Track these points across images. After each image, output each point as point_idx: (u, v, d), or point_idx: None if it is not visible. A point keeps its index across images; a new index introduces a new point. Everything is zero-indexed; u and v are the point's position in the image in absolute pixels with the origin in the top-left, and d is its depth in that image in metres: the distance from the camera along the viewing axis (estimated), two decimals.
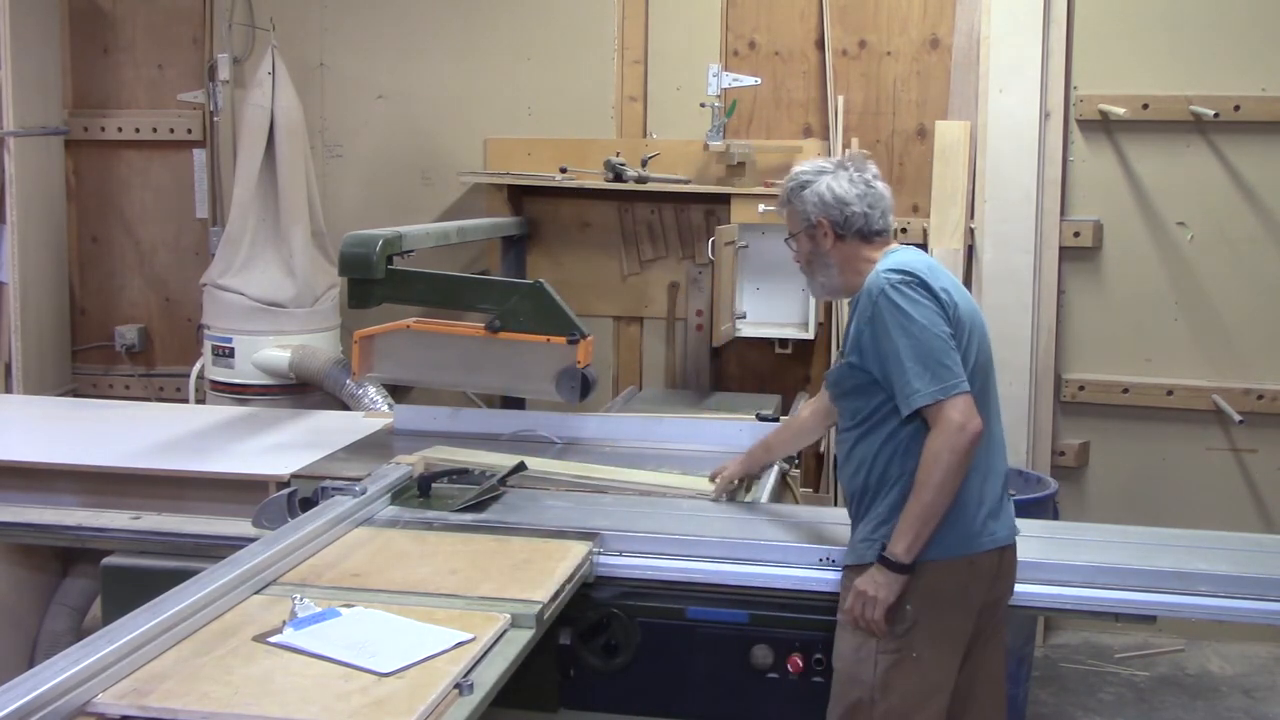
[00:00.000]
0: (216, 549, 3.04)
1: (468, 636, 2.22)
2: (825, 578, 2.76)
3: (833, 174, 2.72)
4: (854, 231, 2.69)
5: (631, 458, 3.72)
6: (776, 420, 3.81)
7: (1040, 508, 4.01)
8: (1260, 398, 4.84)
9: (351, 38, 5.48)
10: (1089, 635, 5.02)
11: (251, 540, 3.04)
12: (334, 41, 5.50)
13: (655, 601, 2.83)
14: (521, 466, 3.39)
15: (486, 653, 2.22)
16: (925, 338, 2.48)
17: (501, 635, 2.30)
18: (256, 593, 2.45)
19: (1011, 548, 2.67)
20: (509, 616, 2.35)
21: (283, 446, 3.73)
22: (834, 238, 2.71)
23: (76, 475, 3.42)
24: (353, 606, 2.36)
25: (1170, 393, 4.91)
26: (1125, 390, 4.95)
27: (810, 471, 4.95)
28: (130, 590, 3.00)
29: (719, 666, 2.81)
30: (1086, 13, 4.87)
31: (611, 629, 2.81)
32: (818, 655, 2.75)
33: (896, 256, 2.65)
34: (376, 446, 3.79)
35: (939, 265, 2.69)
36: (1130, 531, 3.21)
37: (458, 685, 2.06)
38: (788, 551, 2.84)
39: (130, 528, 3.13)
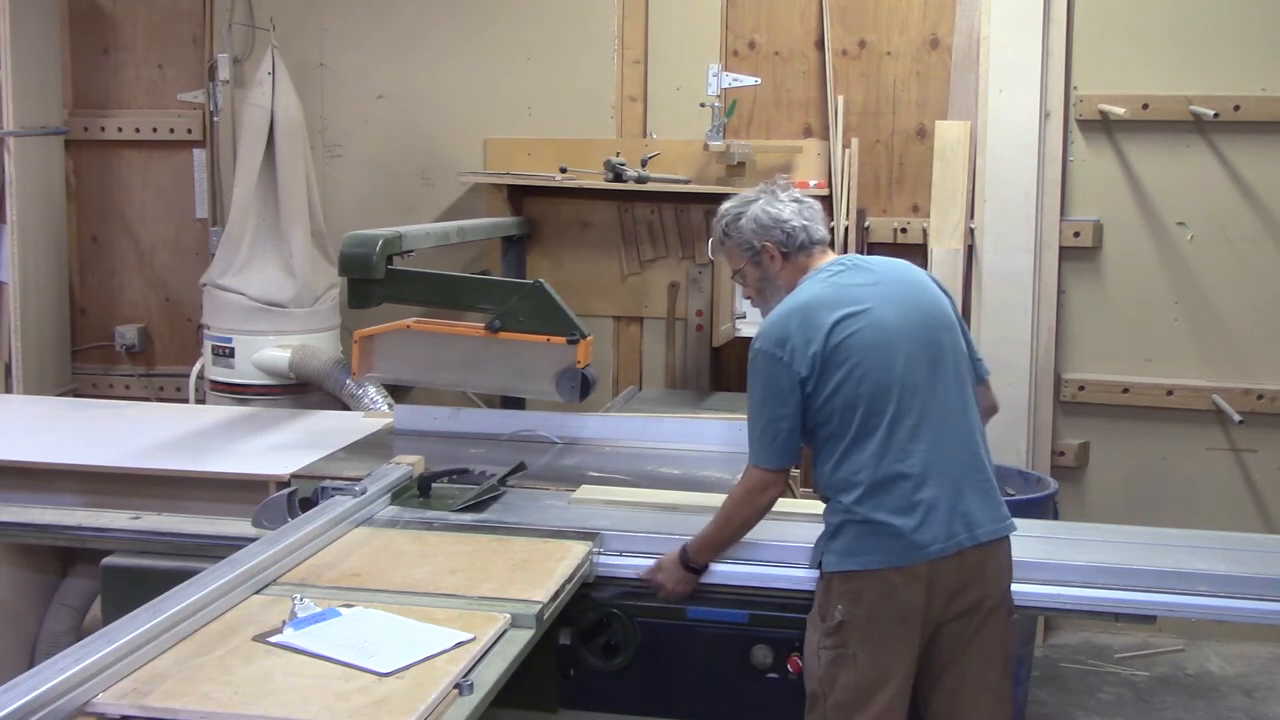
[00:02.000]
0: (216, 549, 3.04)
1: (468, 636, 2.23)
2: None
3: (758, 200, 2.84)
4: (797, 246, 2.80)
5: (631, 458, 3.73)
6: None
7: (1040, 508, 4.01)
8: (1260, 398, 4.84)
9: (351, 38, 5.48)
10: (1089, 635, 5.02)
11: (251, 540, 3.05)
12: (334, 41, 5.49)
13: (655, 601, 2.83)
14: (522, 467, 3.39)
15: (486, 653, 2.22)
16: (758, 412, 2.69)
17: (501, 635, 2.30)
18: (256, 593, 2.45)
19: (972, 552, 2.61)
20: (509, 616, 2.36)
21: (283, 446, 3.73)
22: (781, 259, 2.81)
23: (76, 475, 3.42)
24: (353, 606, 2.36)
25: (1170, 393, 4.91)
26: (1125, 390, 4.95)
27: (810, 472, 4.95)
28: (130, 590, 3.00)
29: (719, 666, 2.81)
30: (1086, 13, 4.87)
31: (611, 629, 2.81)
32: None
33: (799, 299, 2.71)
34: (376, 446, 3.79)
35: (831, 296, 2.68)
36: (1130, 531, 3.21)
37: (457, 685, 2.06)
38: (787, 551, 2.85)
39: (130, 528, 3.14)
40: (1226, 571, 2.78)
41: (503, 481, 3.26)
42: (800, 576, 2.80)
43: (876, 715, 2.59)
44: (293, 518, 2.87)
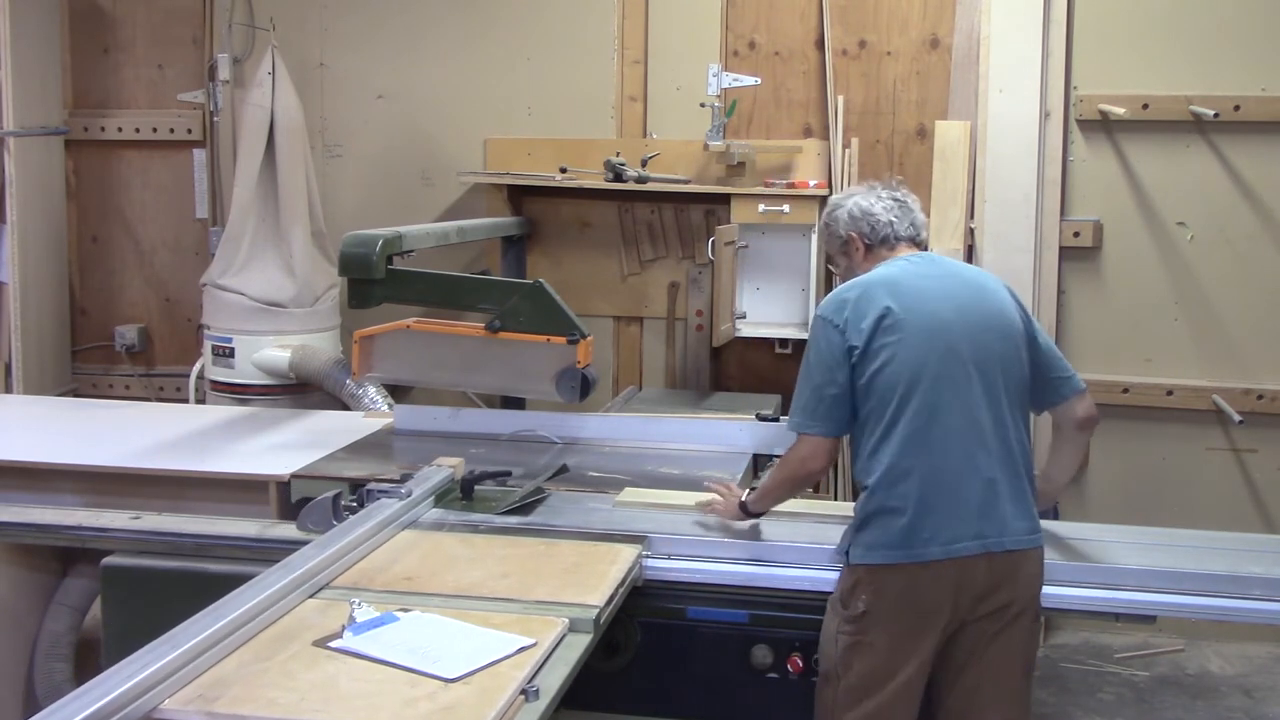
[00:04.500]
0: (216, 549, 3.05)
1: (529, 641, 2.21)
2: (825, 577, 2.77)
3: (862, 194, 2.96)
4: (880, 240, 2.90)
5: (631, 458, 3.73)
6: (777, 420, 3.80)
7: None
8: (1260, 398, 4.84)
9: (351, 38, 5.48)
10: (1089, 635, 5.02)
11: (251, 540, 3.06)
12: (334, 41, 5.49)
13: (655, 601, 2.83)
14: (564, 469, 3.39)
15: (548, 658, 2.21)
16: (807, 376, 2.77)
17: (561, 640, 2.29)
18: (311, 596, 2.43)
19: (1002, 557, 2.62)
20: (567, 621, 2.34)
21: (283, 446, 3.73)
22: (864, 250, 2.92)
23: (76, 475, 3.42)
24: (409, 610, 2.35)
25: (1170, 393, 4.91)
26: (1125, 390, 4.95)
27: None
28: (130, 590, 3.01)
29: (719, 666, 2.81)
30: (1086, 13, 4.86)
31: (611, 629, 2.81)
32: (817, 655, 2.75)
33: (866, 276, 2.81)
34: (376, 446, 3.79)
35: (895, 279, 2.76)
36: (1130, 531, 3.21)
37: (524, 691, 2.05)
38: (787, 551, 2.85)
39: (130, 528, 3.14)
40: (1226, 571, 2.78)
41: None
42: (800, 576, 2.80)
43: (887, 701, 2.61)
44: (338, 521, 2.85)
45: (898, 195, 2.95)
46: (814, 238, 4.87)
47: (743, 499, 2.94)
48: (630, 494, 3.25)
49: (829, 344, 2.72)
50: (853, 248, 2.92)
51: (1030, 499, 2.72)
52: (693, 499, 3.16)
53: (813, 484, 2.84)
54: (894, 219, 2.89)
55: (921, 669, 2.64)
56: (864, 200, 2.92)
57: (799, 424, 2.76)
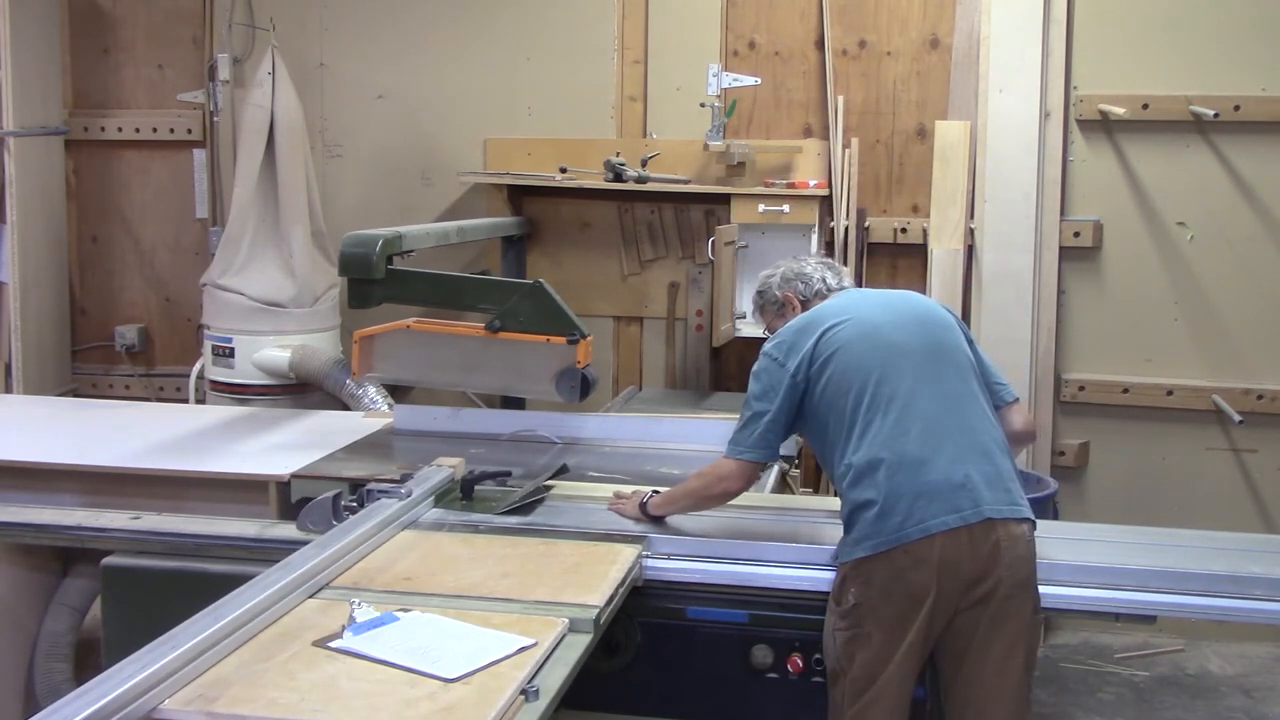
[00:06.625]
0: (216, 549, 3.05)
1: (529, 641, 2.21)
2: (825, 577, 2.76)
3: (789, 262, 3.20)
4: (814, 294, 3.11)
5: (631, 458, 3.73)
6: None
7: (1040, 508, 3.98)
8: (1260, 398, 4.84)
9: (351, 38, 5.48)
10: (1089, 635, 5.02)
11: (251, 540, 3.06)
12: (334, 41, 5.50)
13: (655, 601, 2.83)
14: (565, 469, 3.40)
15: (548, 658, 2.21)
16: (745, 406, 2.90)
17: (561, 640, 2.29)
18: (311, 596, 2.43)
19: (981, 530, 2.63)
20: (567, 621, 2.34)
21: (283, 446, 3.73)
22: (800, 307, 3.09)
23: (76, 475, 3.42)
24: (409, 611, 2.35)
25: (1170, 393, 4.91)
26: (1125, 390, 4.95)
27: (810, 472, 4.96)
28: (130, 590, 3.01)
29: (719, 666, 2.81)
30: (1086, 13, 4.87)
31: (611, 629, 2.81)
32: (817, 655, 2.76)
33: (802, 316, 2.97)
34: (376, 446, 3.79)
35: (829, 306, 2.95)
36: (1130, 531, 3.22)
37: (524, 691, 2.05)
38: (788, 551, 2.85)
39: (130, 528, 3.13)
40: (1226, 571, 2.78)
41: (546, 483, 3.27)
42: (800, 576, 2.80)
43: (881, 689, 2.64)
44: (338, 521, 2.85)
45: (825, 260, 3.20)
46: (814, 237, 4.88)
47: (644, 500, 2.99)
48: (560, 486, 3.30)
49: (769, 375, 2.86)
50: (789, 308, 3.10)
51: (1006, 473, 2.74)
52: (611, 491, 3.18)
53: (722, 504, 2.95)
54: (825, 274, 3.12)
55: (910, 653, 2.65)
56: (793, 265, 3.16)
57: (732, 448, 2.88)
